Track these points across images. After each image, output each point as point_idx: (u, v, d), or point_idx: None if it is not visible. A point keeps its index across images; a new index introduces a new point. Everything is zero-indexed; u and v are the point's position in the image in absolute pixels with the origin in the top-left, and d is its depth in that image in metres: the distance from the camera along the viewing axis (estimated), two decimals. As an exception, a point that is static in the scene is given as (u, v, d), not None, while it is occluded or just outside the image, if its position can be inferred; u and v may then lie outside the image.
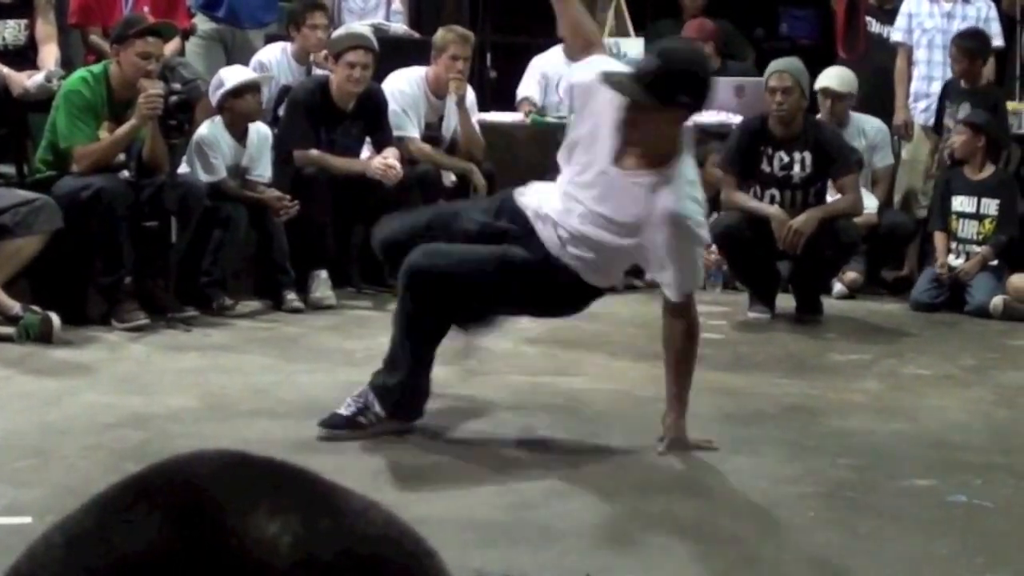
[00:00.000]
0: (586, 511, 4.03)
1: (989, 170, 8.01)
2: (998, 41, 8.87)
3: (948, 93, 8.49)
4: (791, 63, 7.54)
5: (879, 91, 8.79)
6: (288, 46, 8.13)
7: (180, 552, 0.68)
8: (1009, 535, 3.96)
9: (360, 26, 8.25)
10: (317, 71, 7.96)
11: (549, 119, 8.80)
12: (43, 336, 6.09)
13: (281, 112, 7.83)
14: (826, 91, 8.15)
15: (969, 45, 8.37)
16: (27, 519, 3.70)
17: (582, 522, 3.92)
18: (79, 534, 0.70)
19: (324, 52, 7.85)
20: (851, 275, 8.04)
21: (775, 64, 7.54)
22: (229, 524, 0.68)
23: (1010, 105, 8.64)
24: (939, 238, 7.97)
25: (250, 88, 7.27)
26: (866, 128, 8.42)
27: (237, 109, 7.22)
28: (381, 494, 4.10)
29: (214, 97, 7.27)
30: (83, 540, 0.70)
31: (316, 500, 0.71)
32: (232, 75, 7.34)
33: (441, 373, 5.40)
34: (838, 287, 8.01)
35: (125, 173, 6.71)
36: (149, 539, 0.68)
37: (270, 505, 0.69)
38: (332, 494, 0.72)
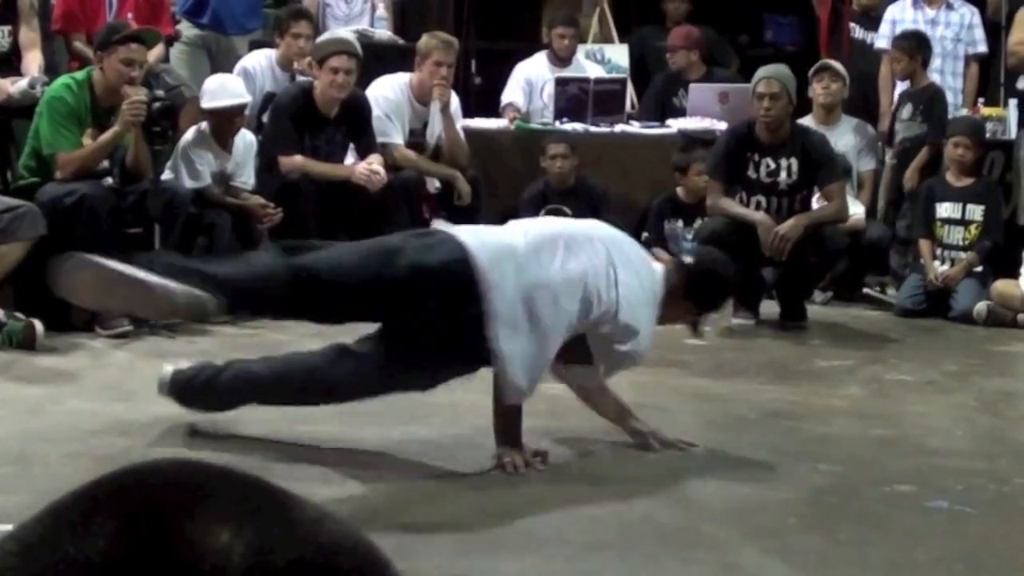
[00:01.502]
0: (568, 518, 4.03)
1: (972, 176, 8.03)
2: (982, 47, 8.90)
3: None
4: (779, 70, 7.53)
5: (863, 97, 8.82)
6: (273, 53, 8.12)
7: (134, 560, 0.68)
8: (990, 541, 3.96)
9: (344, 32, 8.26)
10: (301, 78, 7.96)
11: (533, 125, 8.81)
12: (26, 343, 6.08)
13: (265, 119, 7.82)
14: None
15: (905, 44, 8.42)
16: (8, 527, 3.68)
17: (564, 529, 3.92)
18: (34, 542, 0.70)
19: (307, 60, 7.85)
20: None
21: (763, 70, 7.54)
22: (183, 532, 0.69)
23: (994, 111, 8.67)
24: (924, 246, 7.98)
25: (230, 114, 7.22)
26: (856, 129, 8.43)
27: (215, 126, 7.20)
28: (365, 501, 4.08)
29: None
30: (37, 548, 0.70)
31: (269, 509, 0.71)
32: (214, 89, 7.29)
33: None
34: (818, 293, 8.01)
35: (108, 180, 6.70)
36: (103, 547, 0.69)
37: (223, 514, 0.70)
38: (286, 503, 0.72)
